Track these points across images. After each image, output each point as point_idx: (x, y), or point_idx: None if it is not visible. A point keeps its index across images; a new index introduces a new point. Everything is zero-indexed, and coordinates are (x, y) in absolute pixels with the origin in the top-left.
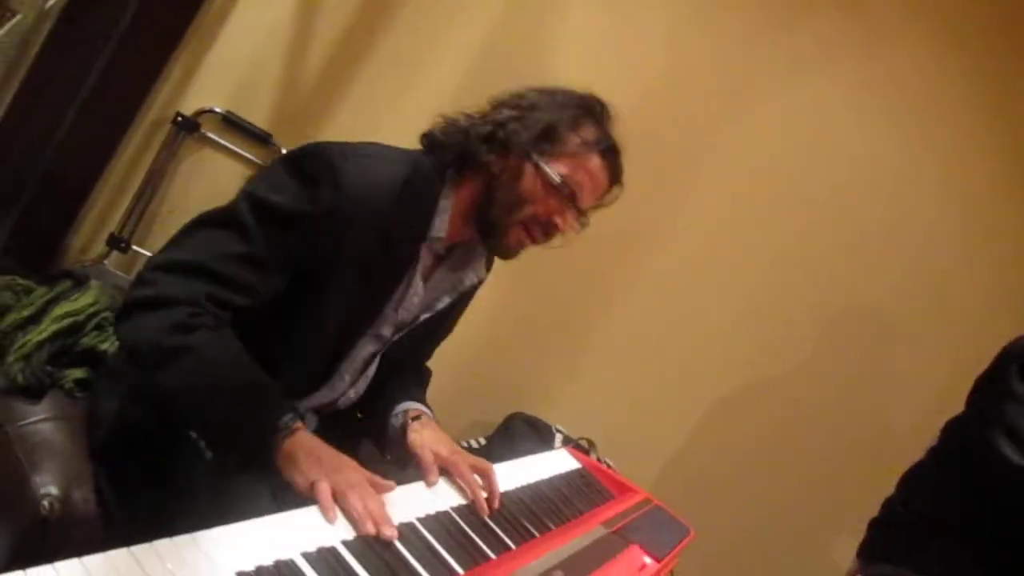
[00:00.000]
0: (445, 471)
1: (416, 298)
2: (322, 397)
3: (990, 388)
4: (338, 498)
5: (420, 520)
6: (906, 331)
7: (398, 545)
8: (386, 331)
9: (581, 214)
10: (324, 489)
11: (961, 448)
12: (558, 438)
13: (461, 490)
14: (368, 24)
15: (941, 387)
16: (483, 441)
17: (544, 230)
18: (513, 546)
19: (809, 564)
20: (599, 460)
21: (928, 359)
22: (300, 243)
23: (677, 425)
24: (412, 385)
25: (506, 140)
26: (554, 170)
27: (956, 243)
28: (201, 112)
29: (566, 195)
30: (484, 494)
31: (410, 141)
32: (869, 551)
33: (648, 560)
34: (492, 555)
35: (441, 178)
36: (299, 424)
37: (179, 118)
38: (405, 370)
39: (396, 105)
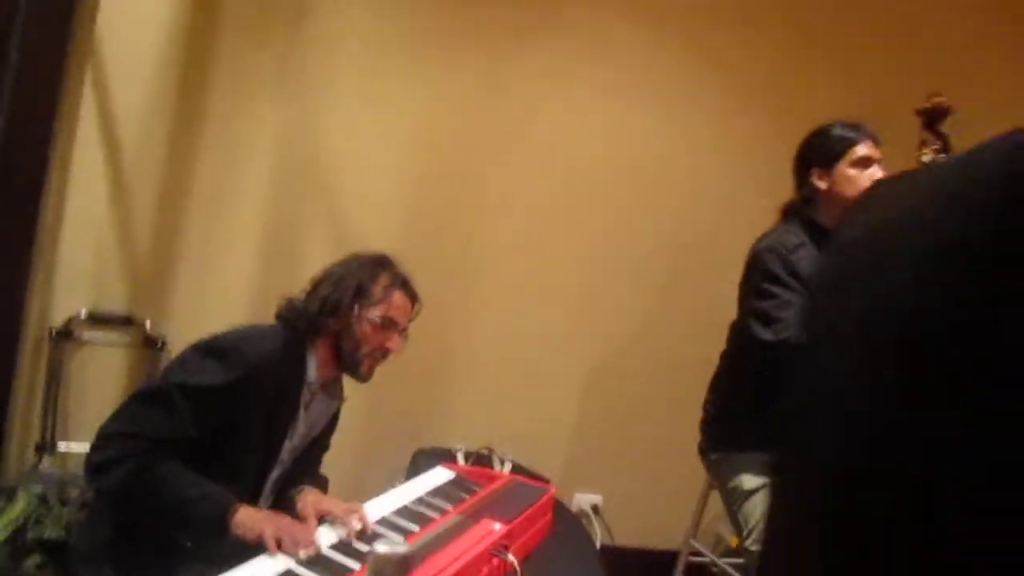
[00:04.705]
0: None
1: (303, 427)
2: None
3: (744, 287)
4: (279, 537)
5: (299, 563)
6: (697, 262)
7: None
8: (286, 457)
9: (403, 332)
10: (268, 536)
11: (735, 339)
12: (460, 456)
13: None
14: (178, 186)
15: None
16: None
17: (384, 354)
18: None
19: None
20: (501, 459)
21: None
22: (220, 406)
23: (554, 400)
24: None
25: (334, 307)
26: (373, 314)
27: (720, 188)
28: (69, 320)
29: (388, 327)
30: (358, 526)
31: (240, 275)
32: (702, 448)
33: (497, 525)
34: (357, 567)
35: (302, 342)
36: (239, 504)
37: (53, 332)
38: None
39: (223, 247)
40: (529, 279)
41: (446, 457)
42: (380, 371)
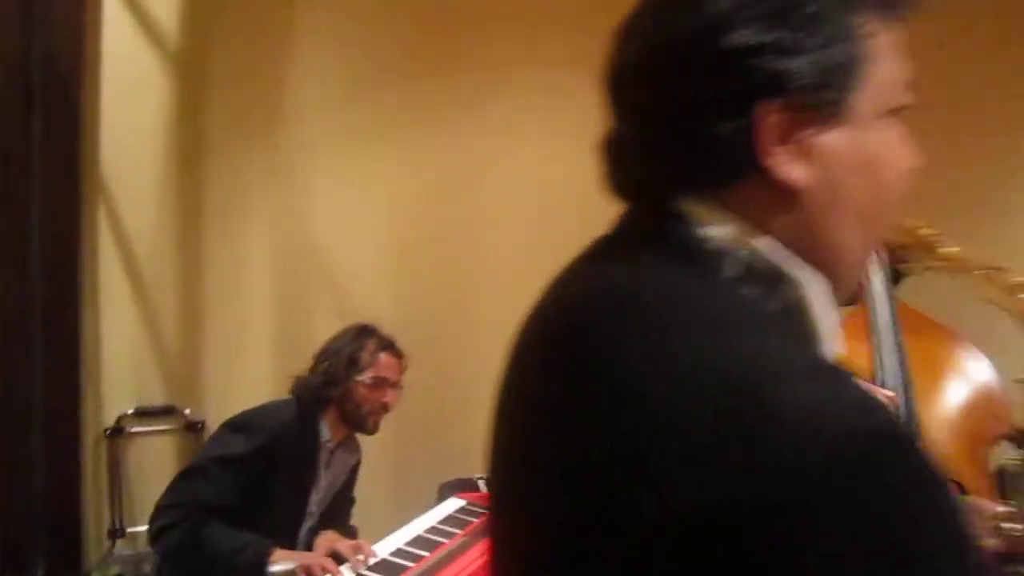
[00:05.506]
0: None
1: (324, 482)
2: None
3: None
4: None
5: None
6: None
7: None
8: (314, 509)
9: (396, 385)
10: (299, 567)
11: None
12: (482, 484)
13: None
14: (193, 287)
15: None
16: None
17: (384, 409)
18: None
19: None
20: None
21: None
22: (249, 470)
23: None
24: None
25: (333, 379)
26: (366, 377)
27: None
28: (119, 418)
29: (381, 386)
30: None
31: (259, 356)
32: None
33: None
34: None
35: (313, 411)
36: (274, 548)
37: (107, 431)
38: None
39: (241, 333)
40: (522, 312)
41: (470, 487)
42: (399, 417)
